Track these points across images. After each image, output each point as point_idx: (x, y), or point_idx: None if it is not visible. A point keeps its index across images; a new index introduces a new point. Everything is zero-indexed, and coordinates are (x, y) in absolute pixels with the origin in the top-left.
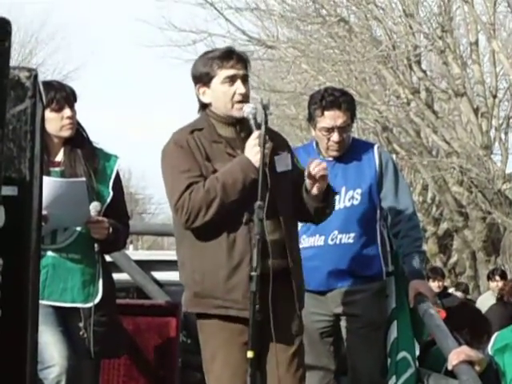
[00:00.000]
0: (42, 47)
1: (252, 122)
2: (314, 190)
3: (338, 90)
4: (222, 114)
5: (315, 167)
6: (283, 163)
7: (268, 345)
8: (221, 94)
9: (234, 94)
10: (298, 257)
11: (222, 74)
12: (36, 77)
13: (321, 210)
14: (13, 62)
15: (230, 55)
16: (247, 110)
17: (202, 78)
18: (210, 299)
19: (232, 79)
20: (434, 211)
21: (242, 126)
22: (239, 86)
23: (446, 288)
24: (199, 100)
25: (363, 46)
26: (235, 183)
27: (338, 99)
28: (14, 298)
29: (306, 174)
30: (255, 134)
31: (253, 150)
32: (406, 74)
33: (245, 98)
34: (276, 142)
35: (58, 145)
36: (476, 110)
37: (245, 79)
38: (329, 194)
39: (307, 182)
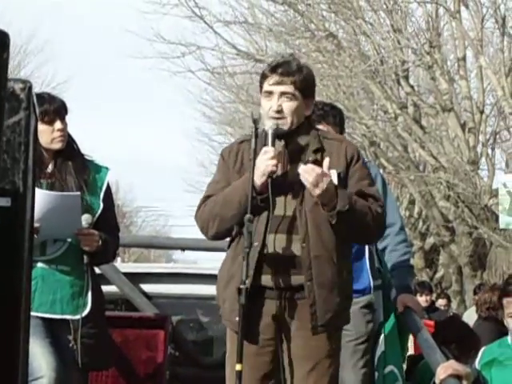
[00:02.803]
0: (30, 59)
1: (270, 137)
2: (314, 192)
3: (327, 104)
4: None
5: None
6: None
7: (283, 364)
8: (262, 107)
9: (270, 108)
10: (324, 276)
11: (264, 88)
12: (30, 88)
13: (345, 221)
14: None
15: (274, 70)
16: (268, 125)
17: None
18: (221, 308)
19: (270, 94)
20: (421, 226)
21: (290, 140)
22: (273, 102)
23: (433, 302)
24: None
25: (351, 60)
26: (232, 200)
27: (328, 113)
28: (5, 308)
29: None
30: (262, 150)
31: (260, 167)
32: (394, 88)
33: (278, 114)
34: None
35: (49, 157)
36: (463, 126)
37: (284, 95)
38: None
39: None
